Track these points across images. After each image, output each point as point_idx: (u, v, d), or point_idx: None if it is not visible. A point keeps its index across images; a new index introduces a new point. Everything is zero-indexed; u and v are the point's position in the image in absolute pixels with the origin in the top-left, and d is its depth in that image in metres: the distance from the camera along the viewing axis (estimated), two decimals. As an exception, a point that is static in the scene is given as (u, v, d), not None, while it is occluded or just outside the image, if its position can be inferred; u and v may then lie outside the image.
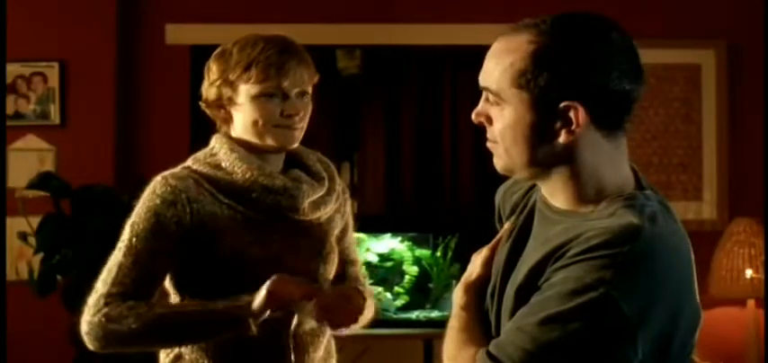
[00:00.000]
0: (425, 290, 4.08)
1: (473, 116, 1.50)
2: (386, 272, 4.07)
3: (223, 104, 2.11)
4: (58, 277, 3.70)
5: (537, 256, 1.44)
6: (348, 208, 2.31)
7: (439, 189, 4.38)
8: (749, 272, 3.94)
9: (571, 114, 1.41)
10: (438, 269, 4.06)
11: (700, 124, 4.31)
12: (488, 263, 1.59)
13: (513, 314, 1.43)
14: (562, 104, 1.40)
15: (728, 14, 4.30)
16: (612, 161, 1.47)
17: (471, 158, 4.32)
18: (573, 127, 1.41)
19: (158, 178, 2.09)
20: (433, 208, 4.37)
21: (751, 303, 4.00)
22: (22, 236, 3.80)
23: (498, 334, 1.46)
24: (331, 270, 2.22)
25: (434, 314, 4.03)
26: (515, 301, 1.44)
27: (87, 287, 2.12)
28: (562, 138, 1.42)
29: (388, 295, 4.03)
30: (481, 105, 1.49)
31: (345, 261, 2.32)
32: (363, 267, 2.42)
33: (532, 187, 1.59)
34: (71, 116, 4.16)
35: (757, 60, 4.25)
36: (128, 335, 2.00)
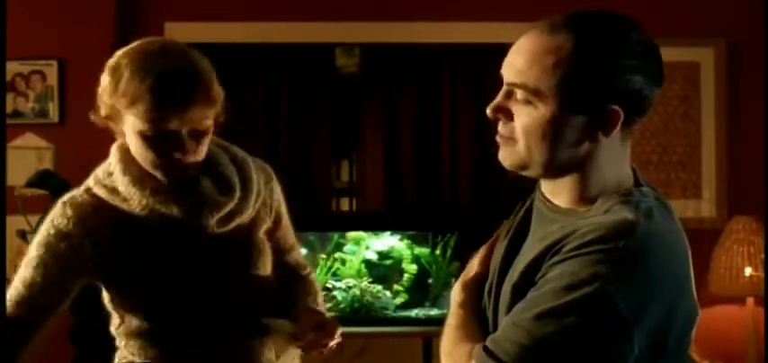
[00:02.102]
0: (425, 288, 4.08)
1: (489, 110, 1.48)
2: (385, 270, 4.07)
3: (113, 121, 1.98)
4: (57, 275, 3.69)
5: (533, 253, 1.44)
6: (276, 196, 2.14)
7: (438, 187, 4.37)
8: (748, 270, 3.94)
9: (612, 117, 1.41)
10: (437, 267, 4.06)
11: (699, 122, 4.31)
12: (486, 261, 1.59)
13: (509, 310, 1.43)
14: (606, 107, 1.40)
15: (728, 13, 4.30)
16: (618, 161, 1.48)
17: (471, 157, 4.31)
18: (609, 129, 1.41)
19: (59, 204, 2.01)
20: (433, 207, 4.37)
21: (750, 301, 4.00)
22: (21, 234, 3.79)
23: (495, 331, 1.46)
24: (265, 264, 2.11)
25: (434, 312, 4.02)
26: (512, 298, 1.45)
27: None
28: (592, 141, 1.42)
29: (388, 293, 4.03)
30: (501, 100, 1.46)
31: (282, 250, 2.21)
32: (302, 250, 2.30)
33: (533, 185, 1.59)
34: (70, 114, 4.16)
35: (756, 58, 4.25)
36: None
